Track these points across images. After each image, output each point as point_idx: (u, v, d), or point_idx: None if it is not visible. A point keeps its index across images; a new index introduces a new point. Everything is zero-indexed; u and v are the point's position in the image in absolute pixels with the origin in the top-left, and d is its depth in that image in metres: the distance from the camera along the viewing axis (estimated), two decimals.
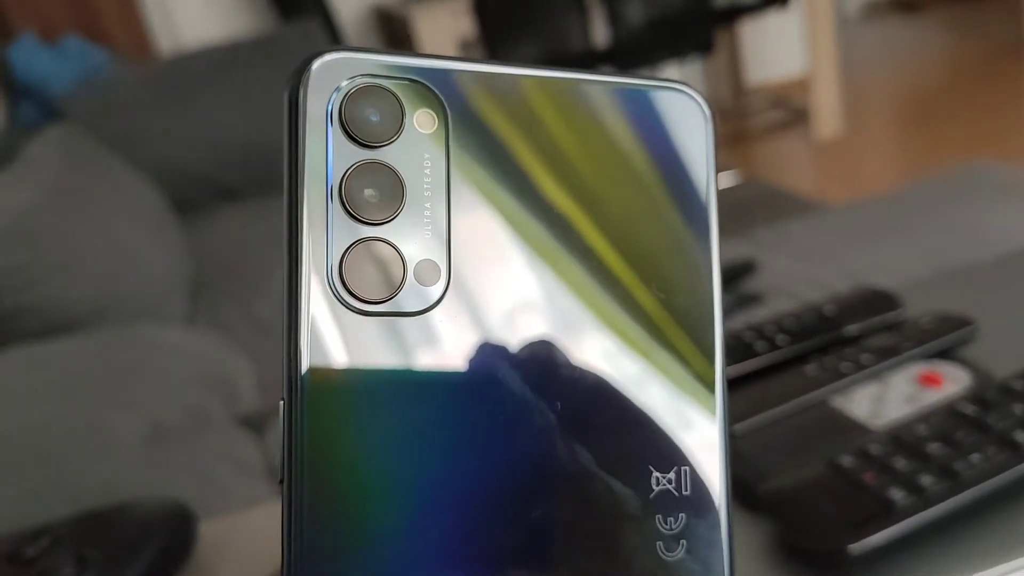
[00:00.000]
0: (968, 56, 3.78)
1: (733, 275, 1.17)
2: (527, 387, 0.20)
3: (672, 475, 0.22)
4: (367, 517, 0.18)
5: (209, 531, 0.53)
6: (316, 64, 0.19)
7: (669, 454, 0.22)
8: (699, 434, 0.22)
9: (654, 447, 0.22)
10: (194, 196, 2.02)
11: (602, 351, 0.21)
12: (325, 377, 0.18)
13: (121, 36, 2.69)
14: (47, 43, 2.27)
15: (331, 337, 0.18)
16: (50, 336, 1.31)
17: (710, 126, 0.23)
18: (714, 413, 0.22)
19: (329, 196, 0.19)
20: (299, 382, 0.18)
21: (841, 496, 0.41)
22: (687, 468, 0.22)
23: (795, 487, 0.42)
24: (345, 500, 0.18)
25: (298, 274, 0.18)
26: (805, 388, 0.49)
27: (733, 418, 0.48)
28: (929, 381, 0.49)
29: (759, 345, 0.54)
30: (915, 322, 0.53)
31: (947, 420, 0.43)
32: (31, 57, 2.14)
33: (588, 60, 2.70)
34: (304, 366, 0.18)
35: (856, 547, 0.38)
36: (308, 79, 0.19)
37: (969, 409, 0.44)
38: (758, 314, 1.06)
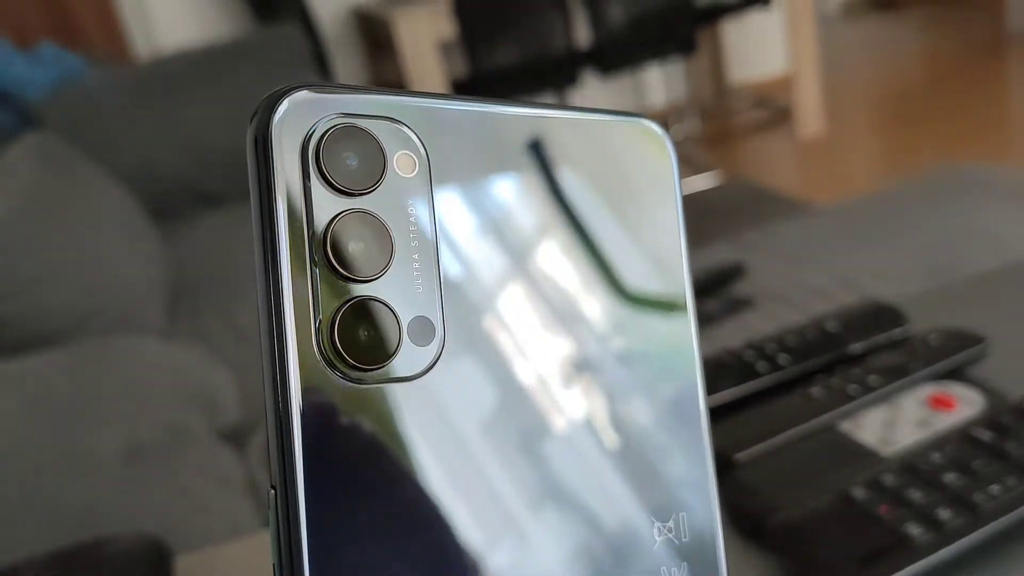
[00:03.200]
0: (948, 54, 3.79)
1: (723, 279, 1.16)
2: (530, 449, 0.19)
3: (672, 523, 0.21)
4: None
5: (185, 567, 0.51)
6: (287, 102, 0.16)
7: (667, 501, 0.21)
8: (691, 476, 0.21)
9: (653, 497, 0.21)
10: (173, 202, 1.99)
11: (603, 402, 0.20)
12: (322, 464, 0.16)
13: (97, 41, 2.65)
14: (22, 49, 2.23)
15: (327, 415, 0.16)
16: (26, 349, 1.28)
17: (675, 160, 0.22)
18: (704, 451, 0.22)
19: (312, 252, 0.16)
20: (294, 471, 0.16)
21: (855, 531, 0.39)
22: (684, 514, 0.21)
23: (805, 521, 0.40)
24: None
25: (284, 346, 0.16)
26: (812, 412, 0.47)
27: (737, 445, 0.46)
28: (941, 404, 0.47)
29: (760, 365, 0.52)
30: (923, 339, 0.51)
31: (963, 447, 0.41)
32: (6, 63, 2.10)
33: (570, 61, 2.68)
34: (298, 452, 0.16)
35: None
36: (280, 120, 0.16)
37: (985, 435, 0.42)
38: (751, 321, 1.05)
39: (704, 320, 1.04)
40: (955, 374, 0.49)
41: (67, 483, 1.00)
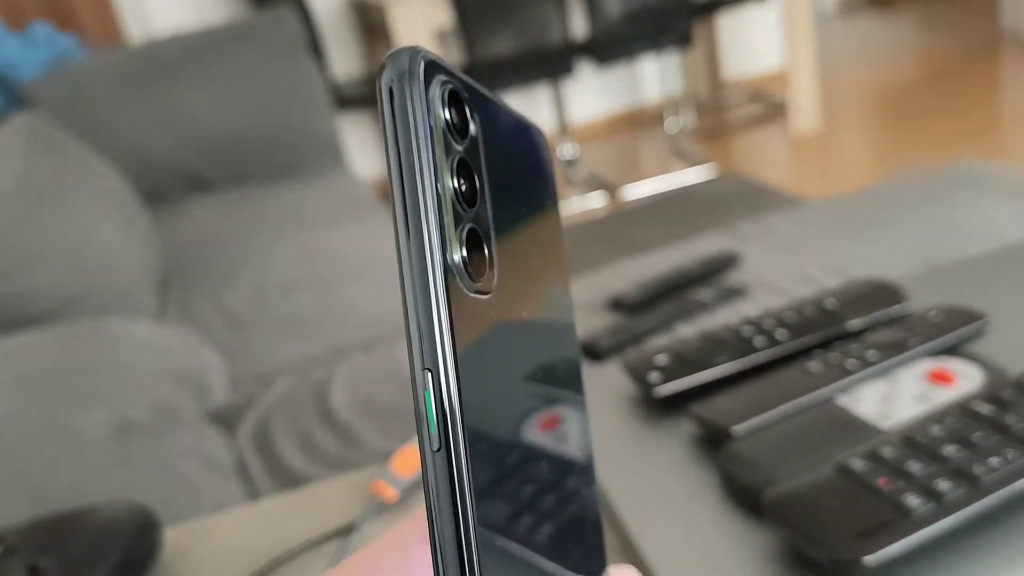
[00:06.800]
0: (943, 52, 3.79)
1: (716, 268, 1.15)
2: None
3: None
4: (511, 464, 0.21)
5: (173, 537, 0.50)
6: (425, 60, 0.20)
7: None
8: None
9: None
10: (165, 186, 1.98)
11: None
12: (468, 348, 0.20)
13: (90, 22, 2.64)
14: (14, 29, 2.21)
15: (459, 310, 0.20)
16: (14, 329, 1.27)
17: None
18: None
19: (443, 183, 0.20)
20: (449, 357, 0.19)
21: (853, 502, 0.38)
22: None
23: (803, 492, 0.39)
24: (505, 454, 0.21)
25: (431, 252, 0.19)
26: (809, 386, 0.47)
27: (734, 417, 0.46)
28: (940, 378, 0.46)
29: (758, 340, 0.51)
30: (922, 316, 0.51)
31: (962, 420, 0.41)
32: None
33: (567, 52, 2.67)
34: (448, 343, 0.19)
35: (871, 558, 0.35)
36: (423, 73, 0.20)
37: (985, 408, 0.41)
38: (743, 308, 1.04)
39: (698, 308, 1.04)
40: (954, 350, 0.49)
41: (54, 460, 0.99)
